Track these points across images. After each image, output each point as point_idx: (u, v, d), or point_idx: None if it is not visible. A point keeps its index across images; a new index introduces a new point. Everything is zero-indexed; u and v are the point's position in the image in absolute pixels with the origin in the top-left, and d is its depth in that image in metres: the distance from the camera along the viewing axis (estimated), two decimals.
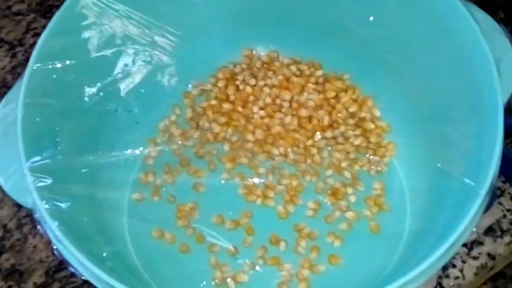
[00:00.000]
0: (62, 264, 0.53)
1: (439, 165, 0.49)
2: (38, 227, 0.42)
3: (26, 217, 0.56)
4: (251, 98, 0.60)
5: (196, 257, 0.53)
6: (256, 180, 0.56)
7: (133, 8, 0.52)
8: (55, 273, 0.54)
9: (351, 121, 0.58)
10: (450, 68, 0.49)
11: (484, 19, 0.48)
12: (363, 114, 0.59)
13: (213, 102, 0.60)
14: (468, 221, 0.40)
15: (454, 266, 0.53)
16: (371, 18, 0.53)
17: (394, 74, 0.56)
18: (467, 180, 0.43)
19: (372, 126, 0.58)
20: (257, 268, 0.52)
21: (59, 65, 0.48)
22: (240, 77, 0.60)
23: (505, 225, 0.54)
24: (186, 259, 0.53)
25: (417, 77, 0.53)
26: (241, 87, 0.60)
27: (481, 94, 0.45)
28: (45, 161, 0.44)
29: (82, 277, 0.40)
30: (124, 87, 0.54)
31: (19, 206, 0.56)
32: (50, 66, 0.47)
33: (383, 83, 0.57)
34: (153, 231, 0.54)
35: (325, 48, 0.59)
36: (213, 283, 0.52)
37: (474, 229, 0.40)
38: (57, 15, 0.48)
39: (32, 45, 0.65)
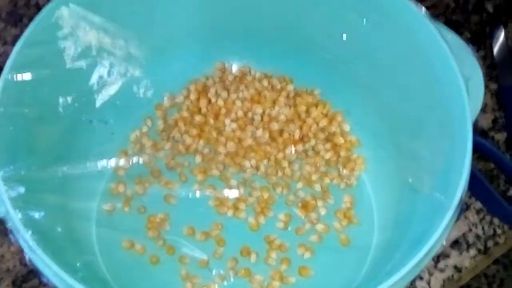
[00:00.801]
0: (30, 274, 0.53)
1: (410, 180, 0.50)
2: (10, 236, 0.42)
3: None
4: (223, 111, 0.60)
5: (166, 269, 0.53)
6: (228, 192, 0.57)
7: (108, 20, 0.52)
8: (22, 282, 0.53)
9: (322, 135, 0.59)
10: (421, 86, 0.50)
11: (453, 39, 0.50)
12: (333, 129, 0.59)
13: (185, 114, 0.60)
14: (439, 234, 0.40)
15: (421, 278, 0.54)
16: (344, 36, 0.54)
17: (365, 90, 0.57)
18: (437, 194, 0.44)
19: (341, 140, 0.59)
20: (228, 279, 0.52)
21: (33, 75, 0.47)
22: (212, 90, 0.61)
23: (470, 238, 0.56)
24: (157, 271, 0.53)
25: (388, 93, 0.54)
26: (213, 99, 0.60)
27: (450, 112, 0.46)
28: (18, 171, 0.44)
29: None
30: (99, 98, 0.54)
31: None
32: (24, 76, 0.47)
33: (354, 99, 0.58)
34: (123, 242, 0.53)
35: (297, 63, 0.60)
36: None
37: (444, 243, 0.41)
38: (32, 25, 0.48)
39: (2, 54, 0.64)
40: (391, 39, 0.52)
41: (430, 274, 0.54)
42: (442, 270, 0.54)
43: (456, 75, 0.46)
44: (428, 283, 0.54)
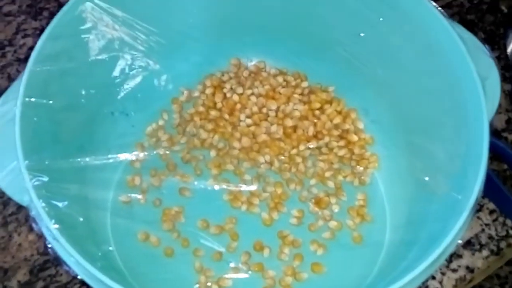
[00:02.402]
0: (47, 262, 0.54)
1: (426, 178, 0.51)
2: (32, 225, 0.42)
3: (11, 215, 0.56)
4: (238, 106, 0.61)
5: (180, 261, 0.54)
6: (242, 186, 0.57)
7: (130, 15, 0.53)
8: (39, 271, 0.54)
9: (335, 132, 0.60)
10: (437, 86, 0.50)
11: (470, 40, 0.50)
12: (347, 126, 0.60)
13: (201, 108, 0.61)
14: (455, 234, 0.41)
15: (433, 278, 0.54)
16: (362, 35, 0.55)
17: (380, 88, 0.57)
18: (453, 194, 0.44)
19: (355, 138, 0.59)
20: (241, 273, 0.53)
21: (57, 67, 0.48)
22: (227, 85, 0.61)
23: (483, 239, 0.56)
24: (171, 263, 0.54)
25: (404, 92, 0.54)
26: (228, 95, 0.61)
27: (467, 113, 0.46)
28: (43, 160, 0.44)
29: (77, 276, 0.41)
30: (121, 91, 0.55)
31: (4, 205, 0.56)
32: (48, 67, 0.47)
33: (369, 96, 0.59)
34: (139, 234, 0.54)
35: (312, 60, 0.60)
36: (197, 286, 0.52)
37: (460, 241, 0.41)
38: (57, 18, 0.48)
39: (22, 46, 0.65)
40: (408, 38, 0.52)
41: (443, 274, 0.54)
42: (454, 270, 0.55)
43: (473, 76, 0.46)
44: (441, 282, 0.54)
